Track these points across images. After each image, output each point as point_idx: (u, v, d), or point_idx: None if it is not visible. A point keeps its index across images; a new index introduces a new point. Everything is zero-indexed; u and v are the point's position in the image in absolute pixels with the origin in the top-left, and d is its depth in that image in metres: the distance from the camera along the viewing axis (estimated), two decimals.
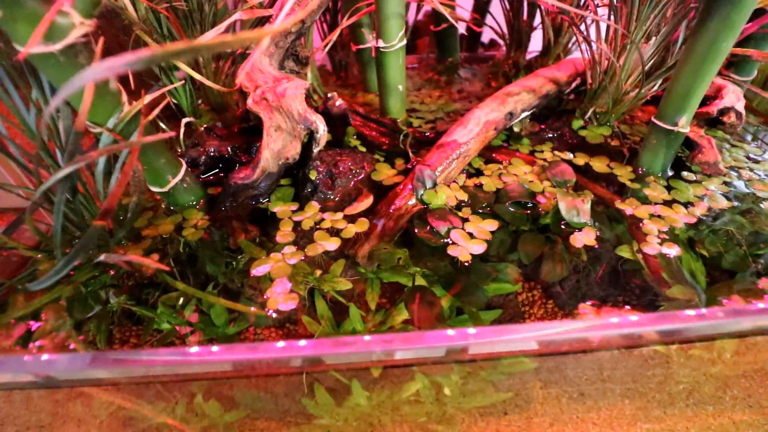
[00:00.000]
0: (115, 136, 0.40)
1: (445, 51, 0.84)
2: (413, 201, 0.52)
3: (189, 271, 0.48)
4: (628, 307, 0.44)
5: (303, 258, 0.46)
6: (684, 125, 0.51)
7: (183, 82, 0.62)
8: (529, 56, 0.85)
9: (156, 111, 0.43)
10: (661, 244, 0.47)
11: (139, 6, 0.54)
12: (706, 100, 0.57)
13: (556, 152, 0.62)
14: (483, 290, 0.45)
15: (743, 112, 0.54)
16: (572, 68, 0.66)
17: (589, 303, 0.44)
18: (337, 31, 0.63)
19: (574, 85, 0.68)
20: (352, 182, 0.56)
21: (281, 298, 0.42)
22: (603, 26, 0.62)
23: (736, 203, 0.54)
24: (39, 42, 0.33)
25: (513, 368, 0.46)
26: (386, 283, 0.45)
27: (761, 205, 0.53)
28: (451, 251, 0.46)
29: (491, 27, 0.84)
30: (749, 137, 0.69)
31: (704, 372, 0.52)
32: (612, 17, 0.59)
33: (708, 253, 0.49)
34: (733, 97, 0.55)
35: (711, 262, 0.49)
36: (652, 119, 0.53)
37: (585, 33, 0.63)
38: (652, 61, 0.60)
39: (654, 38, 0.58)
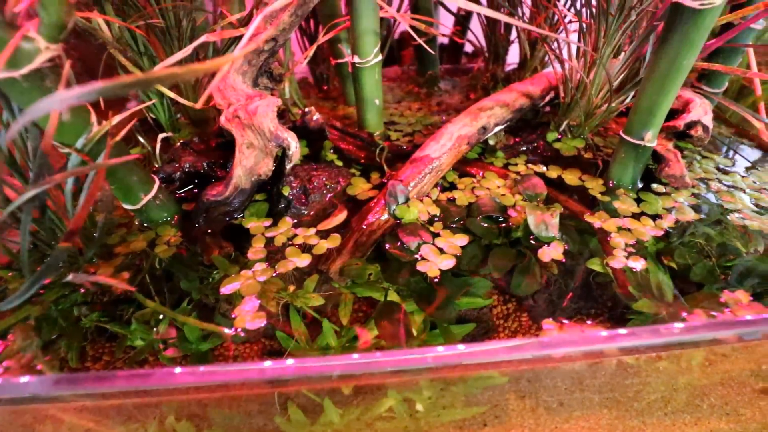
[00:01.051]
0: (83, 157, 0.40)
1: (426, 63, 0.85)
2: (386, 216, 0.53)
3: (164, 288, 0.48)
4: (590, 322, 0.45)
5: (275, 274, 0.47)
6: (650, 140, 0.52)
7: (152, 101, 0.62)
8: (508, 68, 0.86)
9: (124, 131, 0.43)
10: (627, 257, 0.48)
11: (113, 25, 0.54)
12: (675, 114, 0.58)
13: (530, 165, 0.63)
14: (455, 305, 0.45)
15: (710, 125, 0.56)
16: (546, 82, 0.68)
17: (550, 319, 0.45)
18: (314, 47, 0.63)
19: (548, 98, 0.69)
20: (327, 197, 0.57)
21: (249, 317, 0.42)
22: (575, 40, 0.63)
23: (704, 215, 0.55)
24: (2, 67, 0.33)
25: (487, 382, 0.47)
26: (361, 299, 0.46)
27: (728, 216, 0.54)
28: (421, 267, 0.47)
29: (470, 41, 0.85)
30: (725, 148, 0.71)
31: (681, 381, 0.52)
32: (582, 33, 0.60)
33: (677, 265, 0.50)
34: (701, 111, 0.56)
35: (680, 275, 0.49)
36: (620, 134, 0.54)
37: (557, 49, 0.64)
38: (623, 74, 0.62)
39: (624, 53, 0.59)
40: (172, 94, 0.53)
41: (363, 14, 0.58)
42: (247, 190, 0.51)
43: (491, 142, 0.66)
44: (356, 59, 0.61)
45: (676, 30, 0.45)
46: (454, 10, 0.87)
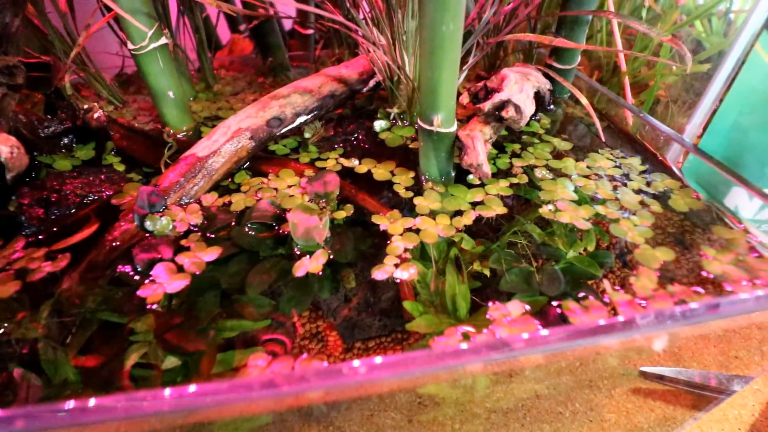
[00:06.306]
0: None
1: (267, 50, 0.76)
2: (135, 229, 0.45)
3: None
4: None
5: None
6: (441, 124, 0.45)
7: None
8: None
9: None
10: (398, 265, 0.41)
11: None
12: (491, 94, 0.51)
13: (342, 159, 0.55)
14: (217, 330, 0.38)
15: (524, 105, 0.49)
16: (366, 64, 0.60)
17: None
18: (90, 33, 0.54)
19: (372, 83, 0.61)
20: (83, 209, 0.48)
21: None
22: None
23: (514, 208, 0.48)
24: None
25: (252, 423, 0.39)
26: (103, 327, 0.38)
27: (539, 210, 0.47)
28: (142, 291, 0.39)
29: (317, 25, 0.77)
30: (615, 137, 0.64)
31: (547, 384, 0.46)
32: (389, 7, 0.53)
33: (490, 272, 0.43)
34: (514, 89, 0.49)
35: (495, 283, 0.42)
36: (417, 120, 0.47)
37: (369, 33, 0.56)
38: None
39: None
40: None
41: None
42: None
43: (307, 135, 0.58)
44: (130, 45, 0.53)
45: None
46: None
